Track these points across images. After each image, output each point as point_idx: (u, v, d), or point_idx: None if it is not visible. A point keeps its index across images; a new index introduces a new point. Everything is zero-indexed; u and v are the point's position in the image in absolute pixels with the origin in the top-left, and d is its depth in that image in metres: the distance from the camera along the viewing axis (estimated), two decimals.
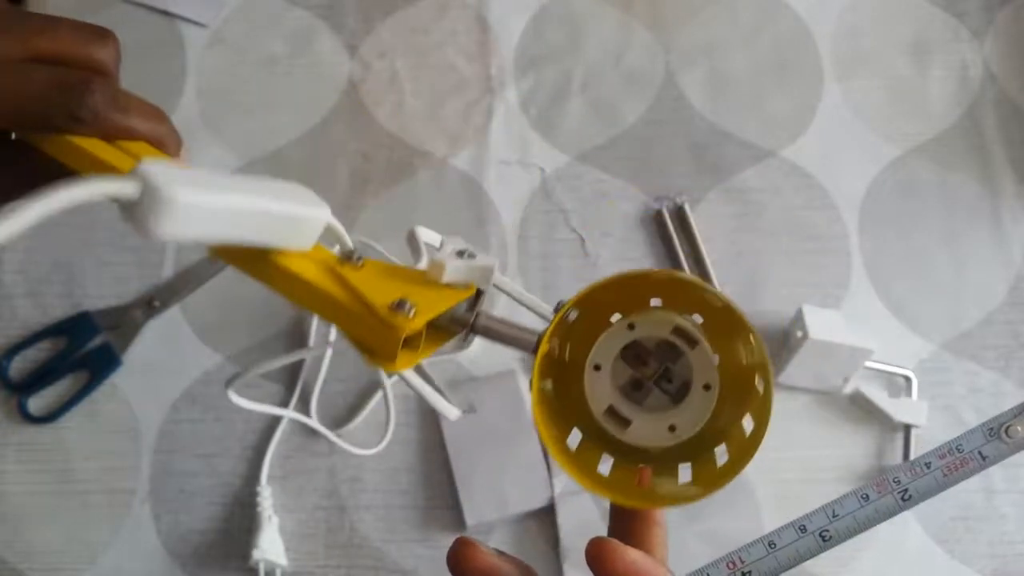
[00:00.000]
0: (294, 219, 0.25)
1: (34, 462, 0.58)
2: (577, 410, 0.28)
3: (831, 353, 0.56)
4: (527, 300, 0.29)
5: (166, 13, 0.69)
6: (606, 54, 0.69)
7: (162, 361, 0.60)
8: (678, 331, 0.28)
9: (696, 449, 0.28)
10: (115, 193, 0.21)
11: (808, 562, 0.56)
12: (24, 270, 0.62)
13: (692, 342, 0.28)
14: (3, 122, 0.28)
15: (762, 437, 0.26)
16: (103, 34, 0.31)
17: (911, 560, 0.57)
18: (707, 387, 0.28)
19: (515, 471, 0.57)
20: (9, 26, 0.28)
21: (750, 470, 0.59)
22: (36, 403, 0.59)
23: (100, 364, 0.60)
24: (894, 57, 0.69)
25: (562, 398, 0.29)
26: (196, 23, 0.69)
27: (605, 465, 0.28)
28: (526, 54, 0.69)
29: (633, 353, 0.28)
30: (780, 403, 0.59)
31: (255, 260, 0.26)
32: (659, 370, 0.28)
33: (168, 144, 0.31)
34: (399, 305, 0.25)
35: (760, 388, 0.27)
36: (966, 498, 0.58)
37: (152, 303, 0.61)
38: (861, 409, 0.59)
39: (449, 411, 0.30)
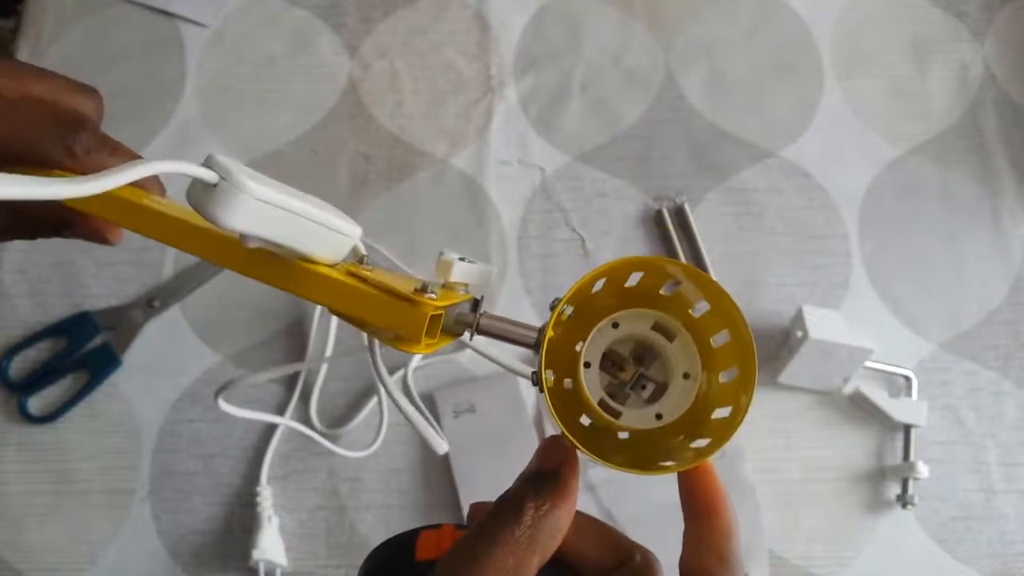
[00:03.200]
0: (336, 231, 0.28)
1: (34, 462, 0.58)
2: (581, 397, 0.31)
3: (831, 353, 0.56)
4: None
5: (166, 13, 0.69)
6: (606, 54, 0.69)
7: (162, 361, 0.60)
8: (657, 326, 0.30)
9: (691, 420, 0.30)
10: (195, 174, 0.23)
11: (808, 562, 0.56)
12: (24, 270, 0.62)
13: (671, 335, 0.30)
14: (2, 152, 0.29)
15: (752, 388, 0.28)
16: (89, 90, 0.33)
17: (911, 560, 0.57)
18: (687, 376, 0.30)
19: (515, 471, 0.56)
20: (5, 70, 0.30)
21: (750, 470, 0.59)
22: (36, 403, 0.59)
23: (100, 364, 0.60)
24: (894, 57, 0.69)
25: (570, 389, 0.31)
26: (196, 23, 0.69)
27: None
28: (526, 54, 0.69)
29: (610, 361, 0.31)
30: (780, 403, 0.59)
31: (282, 268, 0.28)
32: (635, 374, 0.31)
33: (152, 188, 0.32)
34: (423, 289, 0.28)
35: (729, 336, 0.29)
36: (966, 498, 0.58)
37: (152, 303, 0.61)
38: (861, 409, 0.59)
39: (438, 444, 0.33)
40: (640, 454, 0.31)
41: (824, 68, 0.69)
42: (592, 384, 0.30)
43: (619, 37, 0.70)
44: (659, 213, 0.64)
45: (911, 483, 0.56)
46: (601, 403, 0.30)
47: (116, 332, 0.60)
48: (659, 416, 0.30)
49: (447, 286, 0.32)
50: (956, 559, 0.56)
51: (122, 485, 0.58)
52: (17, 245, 0.63)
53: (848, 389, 0.59)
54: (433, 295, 0.28)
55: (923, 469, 0.56)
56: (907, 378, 0.59)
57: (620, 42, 0.70)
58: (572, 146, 0.66)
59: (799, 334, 0.57)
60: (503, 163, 0.66)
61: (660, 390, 0.31)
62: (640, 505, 0.56)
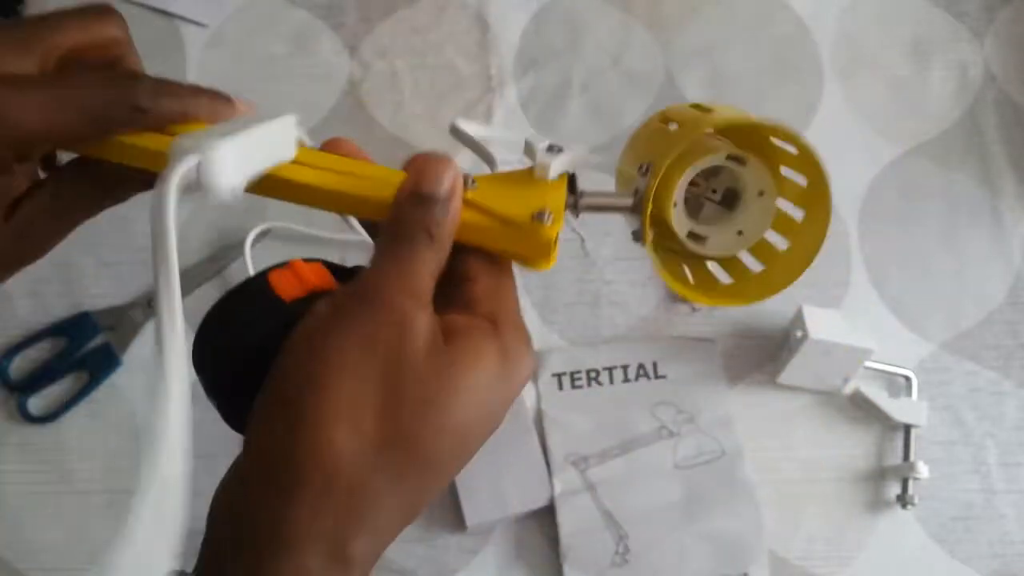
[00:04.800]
0: (282, 129, 0.29)
1: (34, 462, 0.58)
2: (666, 240, 0.35)
3: (831, 353, 0.56)
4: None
5: (166, 13, 0.69)
6: (606, 54, 0.69)
7: None
8: (730, 157, 0.34)
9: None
10: (187, 179, 0.23)
11: (808, 562, 0.56)
12: (24, 270, 0.62)
13: (742, 161, 0.34)
14: (70, 130, 0.27)
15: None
16: (103, 12, 0.31)
17: (911, 560, 0.57)
18: (761, 193, 0.34)
19: (515, 471, 0.57)
20: (15, 40, 0.28)
21: (750, 470, 0.59)
22: (36, 403, 0.59)
23: (100, 364, 0.59)
24: (894, 57, 0.69)
25: (658, 235, 0.35)
26: (196, 23, 0.69)
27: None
28: (526, 54, 0.69)
29: (694, 203, 0.35)
30: (780, 403, 0.59)
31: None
32: (707, 187, 0.35)
33: (222, 112, 0.30)
34: (539, 216, 0.29)
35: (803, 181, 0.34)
36: (966, 498, 0.58)
37: (152, 303, 0.61)
38: (861, 409, 0.59)
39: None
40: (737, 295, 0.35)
41: (824, 68, 0.69)
42: (680, 220, 0.34)
43: (619, 37, 0.70)
44: None
45: (911, 483, 0.56)
46: (690, 233, 0.34)
47: (116, 332, 0.60)
48: (740, 232, 0.34)
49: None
50: (956, 559, 0.56)
51: (122, 485, 0.58)
52: None
53: (848, 389, 0.59)
54: (549, 219, 0.29)
55: (923, 469, 0.56)
56: (907, 378, 0.59)
57: (620, 42, 0.70)
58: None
59: (799, 334, 0.57)
60: (503, 163, 0.65)
61: (731, 196, 0.35)
62: (640, 505, 0.56)
